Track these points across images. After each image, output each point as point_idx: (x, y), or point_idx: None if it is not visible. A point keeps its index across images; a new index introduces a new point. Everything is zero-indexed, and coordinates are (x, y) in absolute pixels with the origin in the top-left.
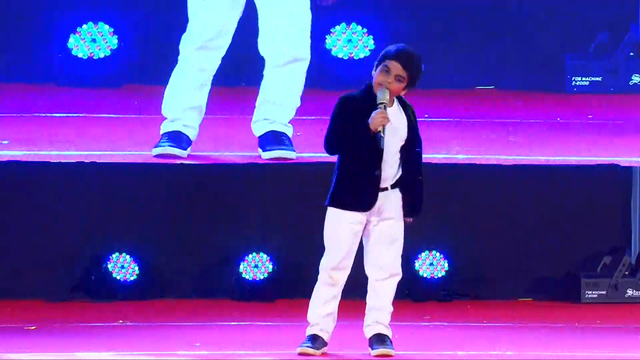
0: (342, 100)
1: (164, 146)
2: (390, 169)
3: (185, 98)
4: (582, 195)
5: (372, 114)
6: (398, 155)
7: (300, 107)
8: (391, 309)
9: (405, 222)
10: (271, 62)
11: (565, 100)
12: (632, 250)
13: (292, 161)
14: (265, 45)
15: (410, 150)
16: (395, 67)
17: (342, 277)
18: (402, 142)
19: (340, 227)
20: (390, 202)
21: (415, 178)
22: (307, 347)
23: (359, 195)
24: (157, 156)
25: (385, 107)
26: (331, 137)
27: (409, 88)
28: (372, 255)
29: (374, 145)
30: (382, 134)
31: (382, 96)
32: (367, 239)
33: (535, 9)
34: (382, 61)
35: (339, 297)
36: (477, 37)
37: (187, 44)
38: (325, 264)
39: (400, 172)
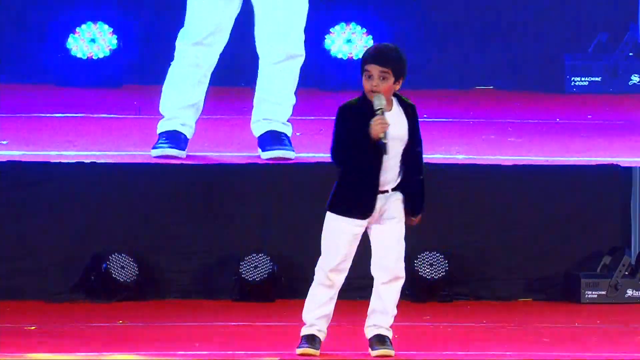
0: (342, 110)
1: (162, 147)
2: (391, 172)
3: (181, 96)
4: (582, 195)
5: (371, 122)
6: (399, 158)
7: (300, 107)
8: (395, 312)
9: (408, 223)
10: (267, 59)
11: (564, 100)
12: (632, 250)
13: (292, 161)
14: (261, 42)
15: (411, 150)
16: (374, 68)
17: (340, 278)
18: (403, 145)
19: (339, 231)
20: (391, 203)
21: (417, 178)
22: (308, 347)
23: (358, 202)
24: (156, 157)
25: (383, 112)
26: (338, 148)
27: (400, 81)
28: (377, 257)
29: (374, 153)
30: (384, 140)
31: (379, 102)
32: (373, 240)
33: (535, 9)
34: (363, 67)
35: (335, 299)
36: (477, 37)
37: (183, 40)
38: (323, 265)
39: (401, 174)
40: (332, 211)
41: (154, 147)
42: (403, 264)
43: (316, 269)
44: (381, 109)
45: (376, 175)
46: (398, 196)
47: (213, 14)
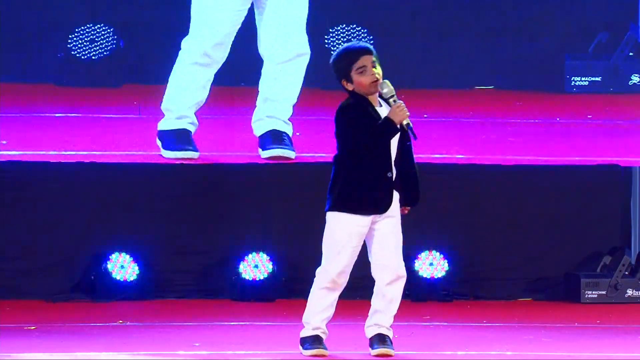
0: (345, 109)
1: (183, 149)
2: (394, 167)
3: (192, 96)
4: (582, 195)
5: (391, 110)
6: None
7: (299, 107)
8: (395, 312)
9: (402, 212)
10: (273, 59)
11: (564, 100)
12: (632, 250)
13: (292, 161)
14: (266, 43)
15: (404, 144)
16: (367, 59)
17: (345, 279)
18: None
19: (346, 231)
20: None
21: (412, 171)
22: (320, 347)
23: (373, 198)
24: (175, 159)
25: (397, 98)
26: (357, 143)
27: None
28: (378, 257)
29: (384, 147)
30: (410, 124)
31: (389, 88)
32: (370, 241)
33: (535, 9)
34: (351, 65)
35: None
36: (477, 37)
37: (194, 46)
38: (328, 268)
39: (396, 170)
40: (340, 210)
41: (167, 148)
42: (403, 263)
43: (318, 271)
44: (393, 95)
45: (388, 170)
46: (396, 194)
47: (227, 20)
